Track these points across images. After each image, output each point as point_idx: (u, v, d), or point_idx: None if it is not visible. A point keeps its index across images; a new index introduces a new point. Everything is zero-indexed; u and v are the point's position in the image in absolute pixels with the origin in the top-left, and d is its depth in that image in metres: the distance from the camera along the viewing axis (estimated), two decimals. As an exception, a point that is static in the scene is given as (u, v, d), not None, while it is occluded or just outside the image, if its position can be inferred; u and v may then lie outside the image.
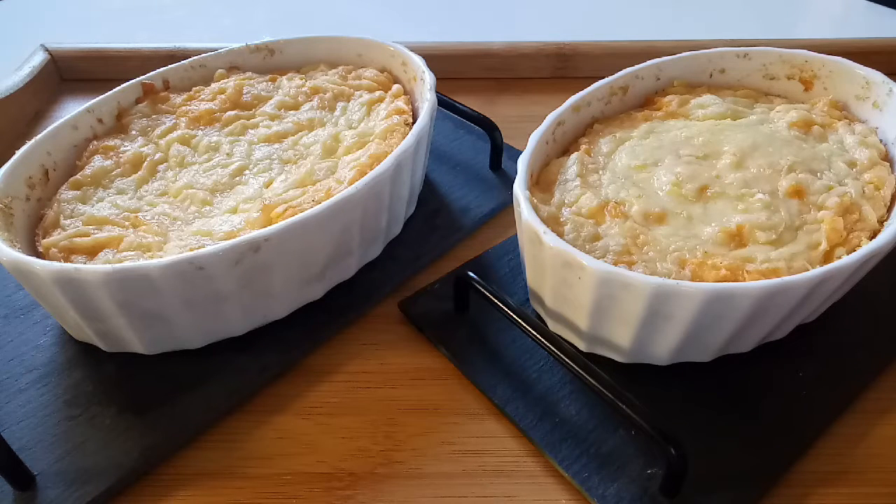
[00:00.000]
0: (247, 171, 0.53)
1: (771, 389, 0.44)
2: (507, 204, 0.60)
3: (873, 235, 0.43)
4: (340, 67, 0.64)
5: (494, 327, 0.49)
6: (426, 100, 0.56)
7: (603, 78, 0.56)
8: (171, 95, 0.60)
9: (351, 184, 0.48)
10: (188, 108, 0.58)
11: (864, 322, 0.48)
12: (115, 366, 0.46)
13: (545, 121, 0.51)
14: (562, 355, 0.41)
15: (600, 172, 0.49)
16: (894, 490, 0.40)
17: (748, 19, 0.99)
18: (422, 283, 0.53)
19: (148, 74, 0.60)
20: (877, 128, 0.52)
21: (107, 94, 0.57)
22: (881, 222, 0.45)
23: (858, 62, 0.54)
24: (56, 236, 0.47)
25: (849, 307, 0.46)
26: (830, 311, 0.45)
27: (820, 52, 0.55)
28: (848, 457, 0.41)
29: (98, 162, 0.53)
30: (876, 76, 0.53)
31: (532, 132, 0.50)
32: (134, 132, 0.56)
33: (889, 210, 0.46)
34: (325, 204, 0.45)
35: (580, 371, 0.40)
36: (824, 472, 0.41)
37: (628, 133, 0.53)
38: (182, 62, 0.62)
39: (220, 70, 0.63)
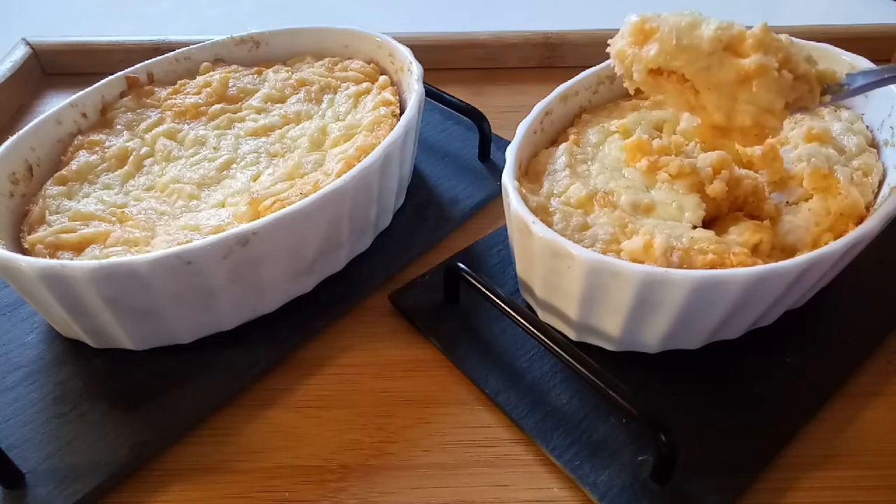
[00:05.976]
0: (234, 165, 0.53)
1: (760, 375, 0.44)
2: (497, 194, 0.60)
3: (860, 221, 0.44)
4: (327, 59, 0.64)
5: (485, 318, 0.49)
6: (414, 91, 0.56)
7: (590, 67, 0.56)
8: (156, 89, 0.59)
9: (339, 176, 0.48)
10: (174, 101, 0.58)
11: (852, 307, 0.49)
12: (104, 362, 0.46)
13: (533, 111, 0.51)
14: (552, 344, 0.41)
15: (589, 163, 0.49)
16: (882, 473, 0.40)
17: (732, 6, 0.99)
18: (412, 275, 0.53)
19: (132, 68, 0.59)
20: (862, 114, 0.52)
21: (90, 88, 0.57)
22: (868, 208, 0.45)
23: (843, 49, 0.54)
24: (42, 232, 0.46)
25: (836, 293, 0.46)
26: (818, 296, 0.46)
27: (805, 39, 0.55)
28: (836, 441, 0.42)
29: (83, 157, 0.52)
30: (861, 62, 0.53)
31: (520, 122, 0.50)
32: (119, 126, 0.56)
33: (875, 196, 0.46)
34: (313, 197, 0.45)
35: (570, 360, 0.40)
36: (813, 457, 0.41)
37: (616, 122, 0.53)
38: (166, 55, 0.61)
39: (205, 63, 0.62)
